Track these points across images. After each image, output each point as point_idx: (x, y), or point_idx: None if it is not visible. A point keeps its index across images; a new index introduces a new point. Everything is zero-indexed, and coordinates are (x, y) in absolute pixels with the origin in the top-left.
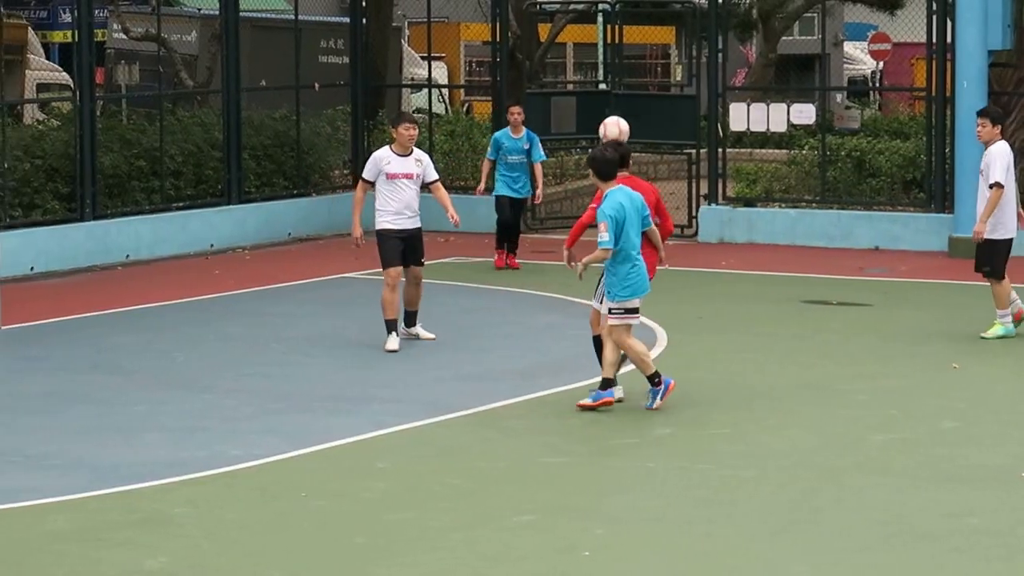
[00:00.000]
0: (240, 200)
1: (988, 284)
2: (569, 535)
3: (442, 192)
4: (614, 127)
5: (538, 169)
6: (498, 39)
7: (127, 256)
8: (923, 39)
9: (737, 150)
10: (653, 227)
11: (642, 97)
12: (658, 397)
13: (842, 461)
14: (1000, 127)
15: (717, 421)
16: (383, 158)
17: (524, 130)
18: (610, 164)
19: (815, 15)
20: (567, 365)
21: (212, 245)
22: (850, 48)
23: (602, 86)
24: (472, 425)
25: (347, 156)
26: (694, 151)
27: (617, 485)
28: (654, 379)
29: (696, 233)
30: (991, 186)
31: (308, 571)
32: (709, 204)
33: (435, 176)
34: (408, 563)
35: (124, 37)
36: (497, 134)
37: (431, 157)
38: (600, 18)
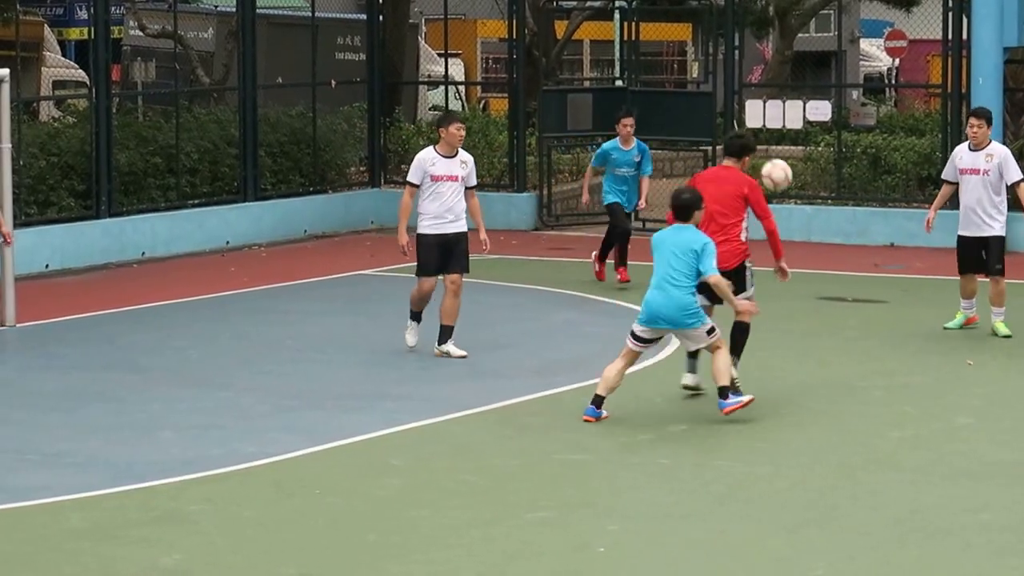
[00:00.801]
0: (256, 197)
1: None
2: (584, 532)
3: (475, 203)
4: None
5: (645, 183)
6: (515, 36)
7: (143, 253)
8: (939, 36)
9: None
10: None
11: (658, 94)
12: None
13: (857, 458)
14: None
15: (732, 418)
16: (428, 159)
17: (635, 141)
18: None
19: (831, 12)
20: (583, 362)
21: (228, 242)
22: (866, 45)
23: (619, 83)
24: (487, 422)
25: (363, 153)
26: (710, 148)
27: (632, 482)
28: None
29: None
30: (1018, 183)
31: (322, 568)
32: None
33: (475, 181)
34: (422, 560)
35: (140, 34)
36: (606, 145)
37: None
38: (617, 15)
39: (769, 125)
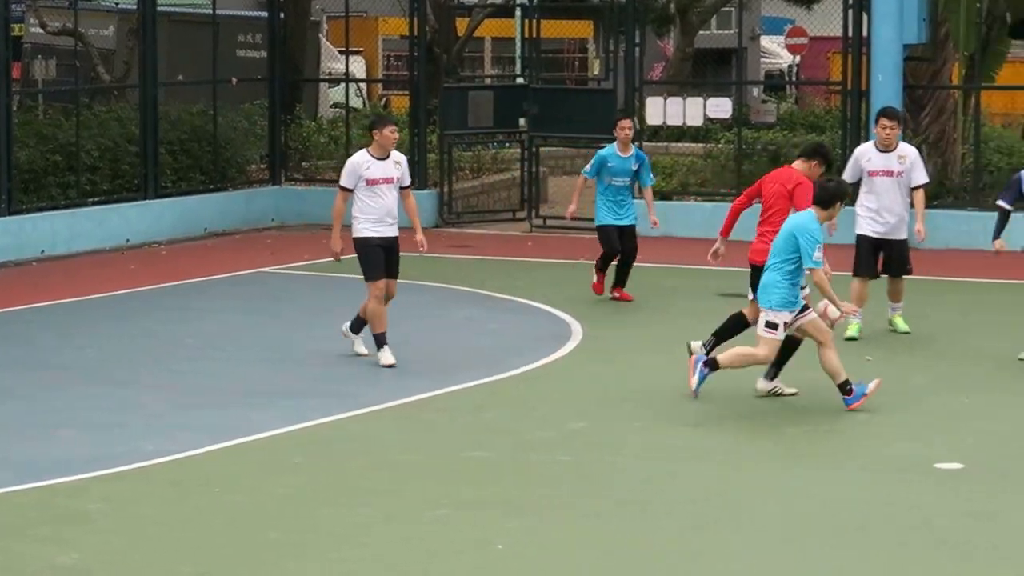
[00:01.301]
0: (157, 195)
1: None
2: (483, 529)
3: (412, 202)
4: None
5: (648, 194)
6: (416, 33)
7: (42, 252)
8: (840, 33)
9: (654, 144)
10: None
11: (559, 91)
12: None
13: (757, 452)
14: None
15: (631, 415)
16: (362, 163)
17: (633, 148)
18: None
19: (732, 9)
20: (484, 359)
21: (128, 240)
22: (767, 42)
23: (520, 80)
24: (390, 419)
25: (264, 151)
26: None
27: (532, 479)
28: (845, 387)
29: None
30: (920, 187)
31: (220, 567)
32: None
33: (409, 180)
34: (322, 559)
35: (41, 31)
36: (603, 152)
37: (347, 152)
38: (518, 12)
39: (670, 122)
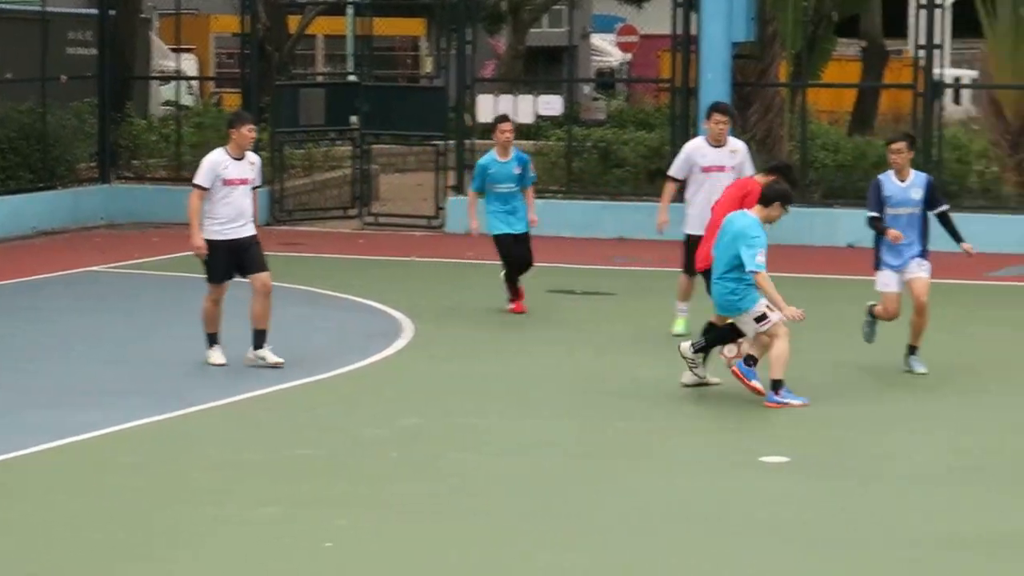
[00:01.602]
0: None
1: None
2: (314, 527)
3: (254, 198)
4: None
5: (530, 193)
6: (248, 31)
7: None
8: (669, 31)
9: (485, 141)
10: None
11: (391, 89)
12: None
13: (583, 448)
14: None
15: (461, 410)
16: (220, 162)
17: (513, 151)
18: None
19: (563, 8)
20: (317, 356)
21: None
22: (598, 40)
23: (352, 78)
24: (221, 418)
25: (94, 149)
26: (442, 142)
27: (364, 476)
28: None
29: (443, 224)
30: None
31: (49, 569)
32: (456, 195)
33: (260, 182)
34: (151, 558)
35: None
36: (482, 161)
37: (178, 150)
38: (350, 10)
39: None
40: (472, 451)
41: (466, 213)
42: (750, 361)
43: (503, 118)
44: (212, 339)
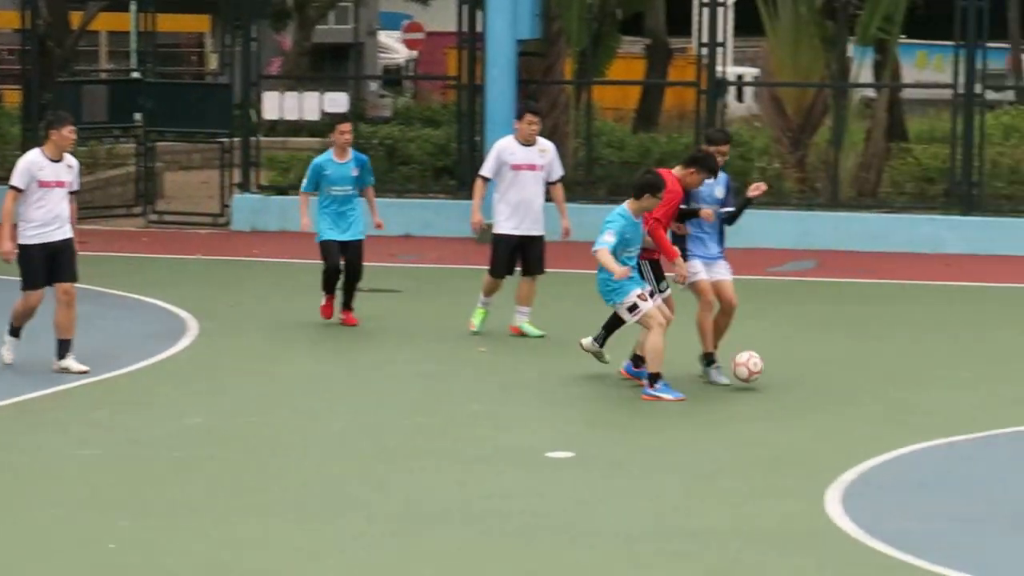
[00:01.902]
0: None
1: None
2: (95, 529)
3: (74, 206)
4: None
5: (370, 194)
6: (28, 26)
7: None
8: (456, 28)
9: (271, 139)
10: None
11: (175, 86)
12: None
13: (369, 446)
14: None
15: (245, 409)
16: (36, 163)
17: (352, 152)
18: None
19: (350, 5)
20: (98, 356)
21: None
22: (384, 37)
23: (135, 74)
24: (1, 418)
25: None
26: (227, 140)
27: (146, 476)
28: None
29: (228, 222)
30: (558, 181)
31: None
32: (242, 193)
33: (78, 186)
34: None
35: None
36: (317, 161)
37: None
38: (133, 5)
39: (287, 117)
40: (256, 451)
41: (252, 210)
42: (638, 362)
43: (343, 118)
44: (14, 332)
